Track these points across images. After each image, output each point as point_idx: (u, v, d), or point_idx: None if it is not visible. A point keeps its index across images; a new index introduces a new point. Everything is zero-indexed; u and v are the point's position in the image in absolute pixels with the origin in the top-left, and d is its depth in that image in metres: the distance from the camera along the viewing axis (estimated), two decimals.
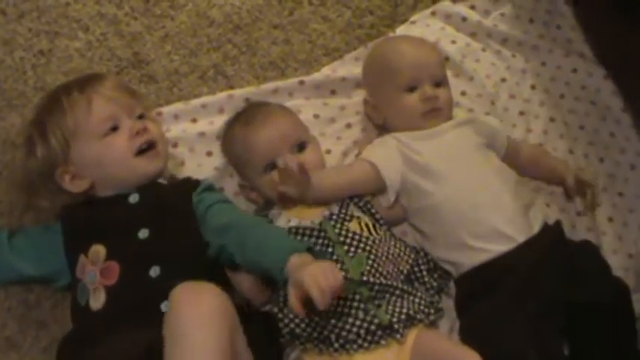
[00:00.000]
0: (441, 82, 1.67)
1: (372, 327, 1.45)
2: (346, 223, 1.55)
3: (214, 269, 1.49)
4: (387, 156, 1.62)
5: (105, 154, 1.50)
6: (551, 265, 1.50)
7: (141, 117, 1.57)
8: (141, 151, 1.52)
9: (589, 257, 1.57)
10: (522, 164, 1.71)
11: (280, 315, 1.48)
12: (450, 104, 1.69)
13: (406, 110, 1.65)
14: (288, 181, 1.50)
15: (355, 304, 1.47)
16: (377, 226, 1.59)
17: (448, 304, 1.60)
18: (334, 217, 1.56)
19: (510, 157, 1.69)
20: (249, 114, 1.67)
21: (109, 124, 1.51)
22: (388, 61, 1.70)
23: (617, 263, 1.65)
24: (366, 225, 1.57)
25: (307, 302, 1.31)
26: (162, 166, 1.57)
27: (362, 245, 1.52)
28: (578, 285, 1.48)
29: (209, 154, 1.72)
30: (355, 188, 1.61)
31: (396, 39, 1.86)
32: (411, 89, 1.65)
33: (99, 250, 1.44)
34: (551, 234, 1.56)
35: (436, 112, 1.65)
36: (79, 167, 1.51)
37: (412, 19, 1.94)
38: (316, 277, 1.28)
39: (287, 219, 1.58)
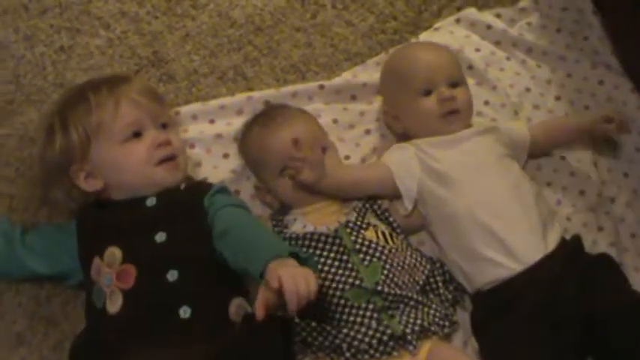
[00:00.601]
0: (457, 83, 1.64)
1: (385, 337, 1.42)
2: (362, 231, 1.52)
3: (234, 273, 1.45)
4: (403, 163, 1.60)
5: (124, 159, 1.48)
6: (566, 283, 1.46)
7: (164, 126, 1.55)
8: (160, 162, 1.50)
9: (607, 270, 1.52)
10: (546, 144, 1.71)
11: (293, 323, 1.45)
12: (469, 105, 1.65)
13: (424, 114, 1.62)
14: (303, 164, 1.48)
15: (368, 313, 1.44)
16: (394, 235, 1.56)
17: (463, 317, 1.56)
18: (350, 224, 1.53)
19: (534, 147, 1.68)
20: (268, 116, 1.65)
21: (132, 129, 1.49)
22: (402, 68, 1.68)
23: (638, 281, 1.59)
24: (383, 233, 1.54)
25: (274, 305, 1.25)
26: (181, 178, 1.54)
27: (377, 254, 1.49)
28: (597, 299, 1.44)
29: (226, 156, 1.69)
30: (370, 187, 1.60)
31: (408, 46, 1.83)
32: (428, 93, 1.62)
33: (115, 252, 1.41)
34: (567, 250, 1.52)
35: (455, 114, 1.62)
36: (95, 167, 1.49)
37: (436, 25, 1.90)
38: (295, 279, 1.22)
39: (302, 224, 1.56)
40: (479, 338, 1.52)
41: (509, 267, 1.47)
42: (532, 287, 1.45)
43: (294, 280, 1.22)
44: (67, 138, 1.48)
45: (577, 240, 1.56)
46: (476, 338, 1.53)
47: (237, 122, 1.71)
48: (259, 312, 1.24)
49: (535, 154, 1.71)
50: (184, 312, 1.34)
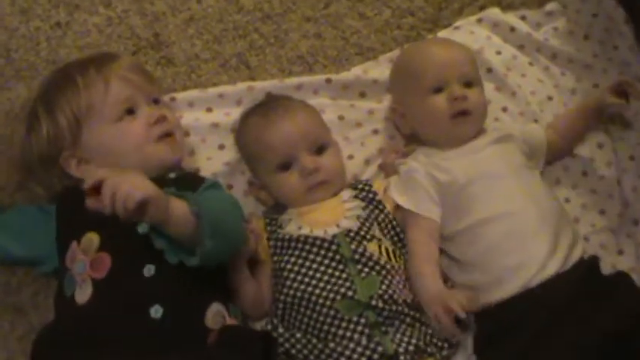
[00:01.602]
0: (471, 83, 1.53)
1: (375, 356, 1.30)
2: (365, 242, 1.41)
3: (216, 276, 1.36)
4: (428, 201, 1.48)
5: (120, 139, 1.40)
6: (580, 303, 1.35)
7: (156, 102, 1.47)
8: (159, 138, 1.42)
9: (625, 289, 1.40)
10: (561, 141, 1.61)
11: (275, 334, 1.35)
12: (483, 108, 1.54)
13: (432, 113, 1.51)
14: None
15: (359, 328, 1.32)
16: (397, 252, 1.45)
17: (463, 338, 1.43)
18: (352, 233, 1.41)
19: (553, 146, 1.59)
20: (268, 106, 1.54)
21: (124, 106, 1.41)
22: (413, 62, 1.57)
23: None
24: (386, 250, 1.43)
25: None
26: (180, 155, 1.47)
27: (377, 268, 1.38)
28: (615, 318, 1.33)
29: (221, 147, 1.59)
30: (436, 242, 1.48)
31: (422, 42, 1.73)
32: (438, 90, 1.51)
33: (92, 238, 1.32)
34: (584, 268, 1.41)
35: (466, 116, 1.50)
36: (88, 152, 1.41)
37: (456, 24, 1.78)
38: (120, 179, 1.13)
39: (297, 225, 1.44)
40: (482, 356, 1.41)
41: (525, 278, 1.37)
42: (544, 304, 1.35)
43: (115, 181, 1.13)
44: (55, 124, 1.40)
45: (594, 261, 1.45)
46: (478, 355, 1.41)
47: (236, 113, 1.61)
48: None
49: (553, 156, 1.60)
50: (156, 311, 1.25)
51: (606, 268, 1.48)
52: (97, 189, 1.14)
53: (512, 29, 1.76)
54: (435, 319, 1.36)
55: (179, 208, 1.21)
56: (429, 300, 1.38)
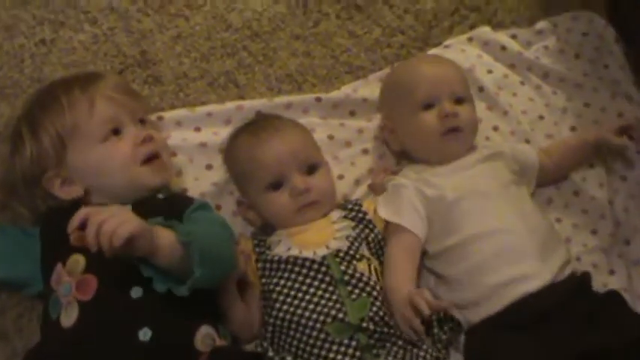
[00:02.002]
0: (462, 99, 1.51)
1: None
2: (355, 262, 1.38)
3: (205, 298, 1.32)
4: (412, 215, 1.45)
5: (106, 159, 1.36)
6: (572, 311, 1.34)
7: (142, 122, 1.44)
8: (146, 161, 1.38)
9: (616, 307, 1.39)
10: (554, 167, 1.59)
11: (266, 358, 1.32)
12: (474, 125, 1.52)
13: (423, 130, 1.49)
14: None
15: (350, 351, 1.29)
16: None
17: (456, 358, 1.41)
18: (341, 253, 1.38)
19: (545, 171, 1.57)
20: (258, 125, 1.51)
21: (110, 126, 1.37)
22: (404, 78, 1.55)
23: None
24: (375, 270, 1.40)
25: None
26: (168, 179, 1.43)
27: (368, 289, 1.35)
28: (606, 335, 1.31)
29: (209, 167, 1.56)
30: (416, 261, 1.45)
31: (413, 58, 1.71)
32: (429, 107, 1.49)
33: (78, 259, 1.29)
34: (574, 284, 1.39)
35: (456, 134, 1.48)
36: (72, 172, 1.37)
37: (446, 42, 1.76)
38: (105, 216, 1.12)
39: (287, 247, 1.41)
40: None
41: (514, 295, 1.35)
42: (532, 315, 1.33)
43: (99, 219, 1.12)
44: (38, 145, 1.37)
45: (586, 276, 1.43)
46: None
47: (225, 132, 1.58)
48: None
49: (543, 181, 1.58)
50: (144, 334, 1.21)
51: (598, 287, 1.45)
52: (81, 226, 1.12)
53: (503, 48, 1.74)
54: (403, 320, 1.33)
55: (166, 238, 1.19)
56: (399, 302, 1.35)
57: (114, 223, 1.11)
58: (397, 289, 1.38)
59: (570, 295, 1.35)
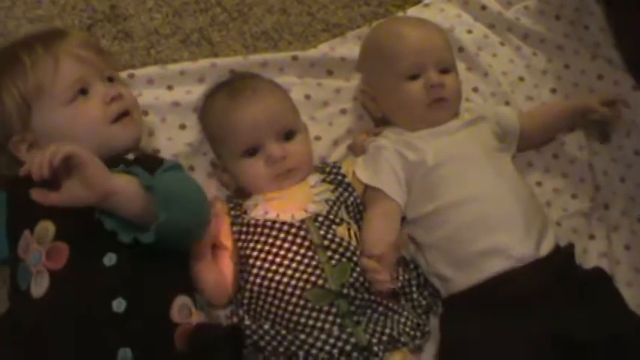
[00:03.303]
0: (447, 69, 1.45)
1: (348, 347, 1.22)
2: (334, 227, 1.32)
3: (181, 267, 1.28)
4: (391, 178, 1.40)
5: (74, 121, 1.29)
6: (557, 293, 1.29)
7: (110, 79, 1.36)
8: (115, 119, 1.31)
9: (600, 287, 1.35)
10: (535, 132, 1.54)
11: (242, 326, 1.26)
12: (458, 93, 1.47)
13: (409, 101, 1.42)
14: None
15: (330, 317, 1.24)
16: None
17: (435, 324, 1.37)
18: (320, 218, 1.32)
19: (526, 134, 1.52)
20: (235, 86, 1.43)
21: (77, 86, 1.30)
22: (387, 45, 1.47)
23: (631, 297, 1.39)
24: (355, 234, 1.35)
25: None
26: (139, 135, 1.36)
27: (348, 254, 1.29)
28: (589, 318, 1.27)
29: (182, 127, 1.49)
30: (396, 225, 1.39)
31: (396, 20, 1.63)
32: (414, 77, 1.43)
33: (47, 227, 1.21)
34: (560, 261, 1.35)
35: (442, 103, 1.43)
36: (39, 135, 1.30)
37: (426, 1, 1.70)
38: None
39: (264, 210, 1.35)
40: (446, 334, 1.35)
41: (498, 263, 1.30)
42: (518, 287, 1.29)
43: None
44: (2, 108, 1.30)
45: (570, 249, 1.39)
46: (442, 334, 1.35)
47: (198, 91, 1.51)
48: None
49: (525, 145, 1.53)
50: (119, 304, 1.15)
51: (578, 253, 1.41)
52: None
53: (483, 7, 1.69)
54: (369, 272, 1.29)
55: (126, 182, 1.14)
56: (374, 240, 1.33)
57: (56, 146, 1.09)
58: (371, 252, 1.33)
59: (554, 277, 1.31)
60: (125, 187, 1.13)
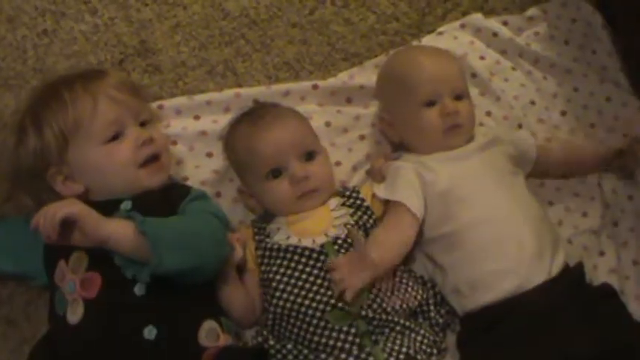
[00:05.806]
0: (461, 95, 1.46)
1: None
2: (352, 250, 1.33)
3: (207, 292, 1.30)
4: (412, 192, 1.40)
5: (105, 160, 1.31)
6: (568, 311, 1.29)
7: (144, 123, 1.38)
8: (144, 163, 1.34)
9: (609, 304, 1.35)
10: (558, 165, 1.54)
11: (267, 345, 1.28)
12: (472, 119, 1.47)
13: (425, 127, 1.43)
14: (352, 272, 1.28)
15: (350, 337, 1.26)
16: None
17: (452, 340, 1.38)
18: (339, 241, 1.34)
19: (542, 164, 1.51)
20: (257, 113, 1.45)
21: (113, 128, 1.32)
22: (404, 74, 1.48)
23: (639, 311, 1.41)
24: None
25: None
26: (165, 179, 1.38)
27: None
28: (598, 333, 1.27)
29: (209, 155, 1.52)
30: (410, 241, 1.38)
31: (412, 49, 1.64)
32: (430, 104, 1.43)
33: (81, 257, 1.25)
34: (571, 279, 1.35)
35: (457, 129, 1.43)
36: (74, 170, 1.32)
37: (440, 29, 1.70)
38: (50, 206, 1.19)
39: (286, 235, 1.37)
40: (462, 349, 1.36)
41: (511, 284, 1.31)
42: (530, 306, 1.29)
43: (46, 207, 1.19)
44: (41, 139, 1.32)
45: (580, 268, 1.39)
46: (459, 349, 1.36)
47: (224, 120, 1.53)
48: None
49: (540, 174, 1.54)
50: (149, 332, 1.19)
51: (588, 270, 1.42)
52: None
53: (495, 34, 1.69)
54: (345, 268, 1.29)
55: (121, 227, 1.18)
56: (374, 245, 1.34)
57: (55, 207, 1.17)
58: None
59: (565, 295, 1.31)
60: (115, 233, 1.18)
